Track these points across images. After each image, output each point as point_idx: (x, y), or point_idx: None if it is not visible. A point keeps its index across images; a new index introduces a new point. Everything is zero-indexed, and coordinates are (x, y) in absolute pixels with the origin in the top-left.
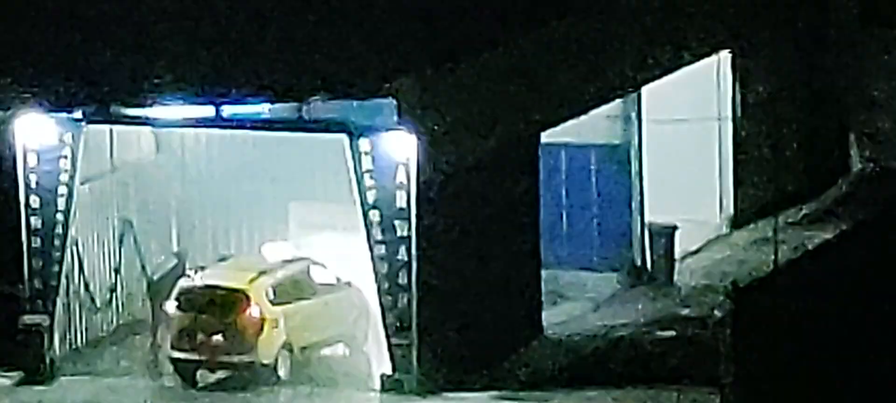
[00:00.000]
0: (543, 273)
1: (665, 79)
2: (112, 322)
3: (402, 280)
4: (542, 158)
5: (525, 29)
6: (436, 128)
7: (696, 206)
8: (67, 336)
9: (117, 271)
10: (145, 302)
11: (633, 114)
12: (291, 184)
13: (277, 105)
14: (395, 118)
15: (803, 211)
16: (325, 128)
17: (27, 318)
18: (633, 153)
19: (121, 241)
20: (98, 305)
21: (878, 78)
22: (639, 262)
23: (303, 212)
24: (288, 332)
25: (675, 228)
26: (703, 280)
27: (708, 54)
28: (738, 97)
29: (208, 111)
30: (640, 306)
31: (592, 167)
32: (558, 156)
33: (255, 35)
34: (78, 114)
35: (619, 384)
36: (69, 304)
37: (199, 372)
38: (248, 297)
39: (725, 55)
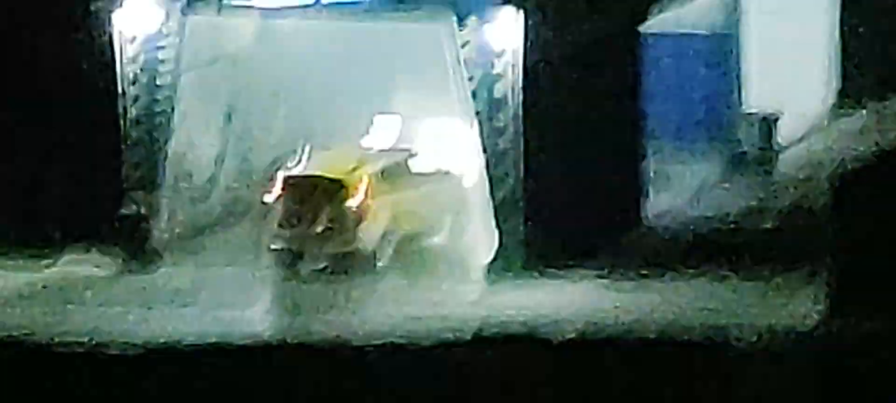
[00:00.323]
0: (646, 158)
1: None
2: (214, 210)
3: (505, 168)
4: (645, 47)
5: None
6: (540, 14)
7: (799, 95)
8: (171, 221)
9: (219, 160)
10: (247, 191)
11: (736, 2)
12: (394, 71)
13: None
14: (500, 3)
15: None
16: (428, 14)
17: (130, 205)
18: (735, 41)
19: (224, 127)
20: (200, 194)
21: None
22: (740, 151)
23: (406, 99)
24: (389, 221)
25: (777, 117)
26: (805, 169)
27: None
28: None
29: None
30: (742, 194)
31: (696, 55)
32: (660, 45)
33: None
34: (181, 2)
35: (719, 271)
36: (173, 189)
37: (299, 262)
38: (349, 185)
39: None
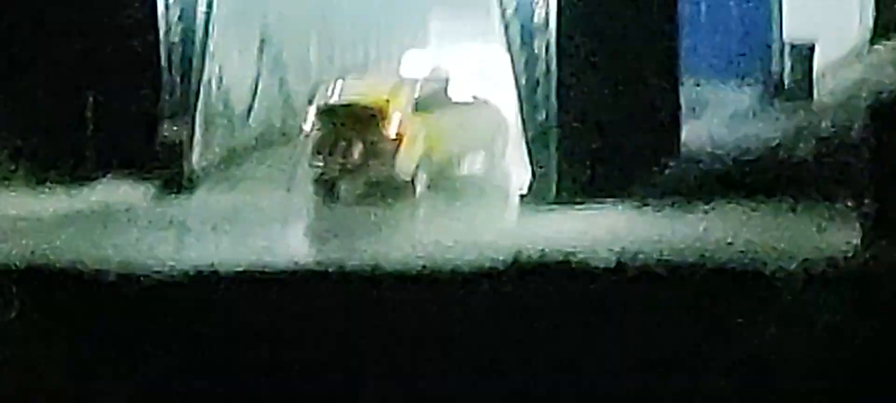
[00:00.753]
0: (682, 88)
1: None
2: (250, 138)
3: (542, 94)
4: None
5: None
6: None
7: (836, 21)
8: (206, 150)
9: (256, 84)
10: (283, 118)
11: None
12: None
13: None
14: None
15: None
16: None
17: (166, 130)
18: None
19: (260, 55)
20: (237, 118)
21: None
22: (778, 78)
23: (442, 23)
24: (426, 148)
25: (814, 44)
26: (843, 97)
27: None
28: None
29: None
30: (778, 122)
31: None
32: None
33: None
34: None
35: (757, 198)
36: (208, 117)
37: (337, 186)
38: (386, 112)
39: None
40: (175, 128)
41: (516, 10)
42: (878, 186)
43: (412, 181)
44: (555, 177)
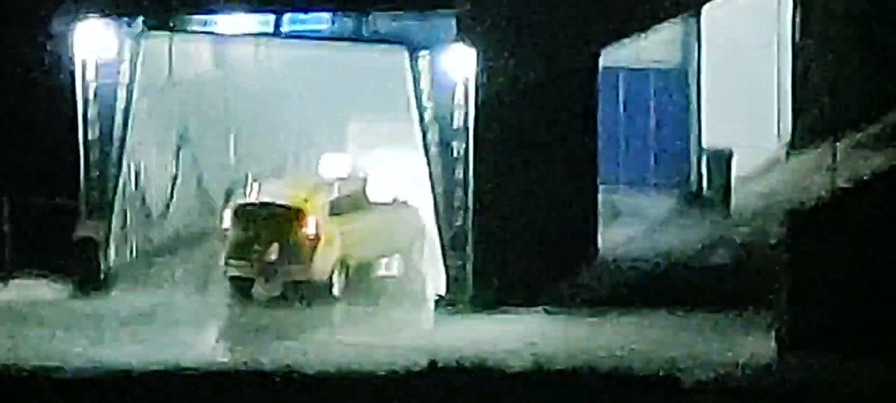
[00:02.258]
0: (600, 195)
1: (725, 2)
2: (168, 233)
3: (459, 198)
4: (601, 81)
5: None
6: (495, 45)
7: (754, 131)
8: (123, 248)
9: (173, 183)
10: (201, 217)
11: (693, 38)
12: (350, 100)
13: (337, 18)
14: (455, 34)
15: (862, 137)
16: (384, 43)
17: (83, 229)
18: (691, 77)
19: (178, 154)
20: (154, 216)
21: None
22: (696, 186)
23: (361, 128)
24: (343, 249)
25: (732, 153)
26: (760, 205)
27: None
28: (799, 20)
29: (267, 24)
30: (696, 230)
31: (651, 90)
32: (617, 79)
33: None
34: (138, 24)
35: (673, 306)
36: (125, 216)
37: (254, 287)
38: (304, 213)
39: None
40: (92, 225)
41: (435, 115)
42: (794, 297)
43: (329, 282)
44: (471, 281)
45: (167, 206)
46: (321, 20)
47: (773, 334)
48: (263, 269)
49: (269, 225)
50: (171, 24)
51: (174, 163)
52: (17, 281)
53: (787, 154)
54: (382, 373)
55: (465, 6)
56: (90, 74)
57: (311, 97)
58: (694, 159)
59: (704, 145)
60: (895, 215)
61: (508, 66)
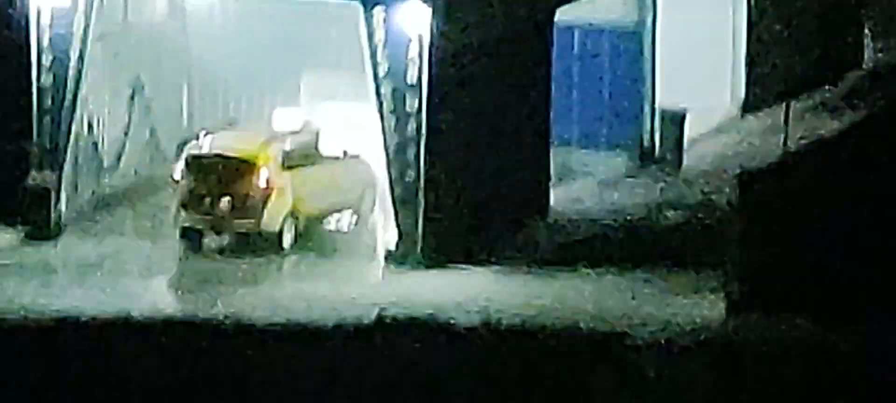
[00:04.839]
0: (552, 152)
1: None
2: (120, 183)
3: (411, 154)
4: (556, 39)
5: None
6: (451, 1)
7: (707, 91)
8: (74, 197)
9: (127, 132)
10: (153, 166)
11: None
12: (304, 52)
13: None
14: None
15: (814, 100)
16: None
17: (35, 176)
18: (646, 36)
19: (131, 103)
20: (106, 165)
21: None
22: (649, 145)
23: (314, 81)
24: (294, 201)
25: (685, 112)
26: (712, 165)
27: None
28: None
29: None
30: (647, 189)
31: (605, 49)
32: (571, 37)
33: None
34: None
35: (623, 265)
36: (77, 164)
37: (204, 238)
38: (255, 164)
39: None
40: (43, 174)
41: (388, 70)
42: (744, 257)
43: (279, 235)
44: (421, 236)
45: (119, 155)
46: None
47: (722, 294)
48: (214, 220)
49: (221, 177)
50: None
51: (127, 112)
52: None
53: (741, 114)
54: (330, 325)
55: None
56: (45, 21)
57: (266, 49)
58: (647, 119)
59: (658, 104)
60: (845, 177)
61: (463, 22)
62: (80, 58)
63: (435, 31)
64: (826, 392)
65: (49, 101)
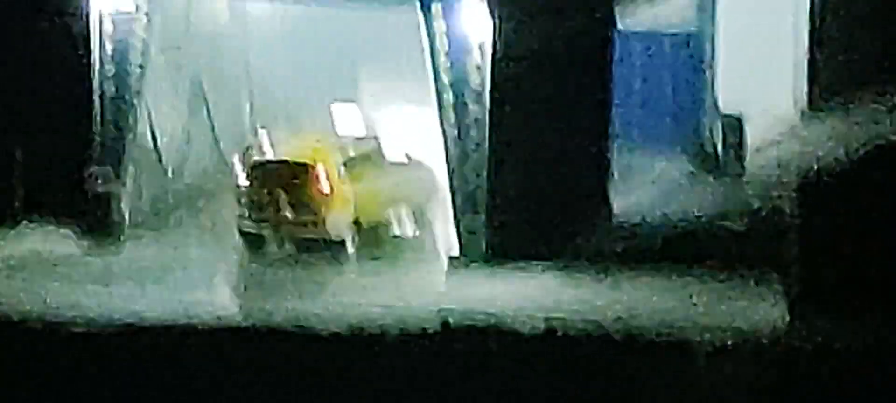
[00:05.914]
0: (614, 156)
1: None
2: (181, 190)
3: (473, 158)
4: (618, 45)
5: None
6: (512, 5)
7: (770, 96)
8: (137, 202)
9: (188, 139)
10: (216, 172)
11: (709, 2)
12: (364, 56)
13: None
14: None
15: (878, 105)
16: (400, 1)
17: (98, 182)
18: (707, 41)
19: (193, 108)
20: (169, 172)
21: None
22: (710, 151)
23: (377, 86)
24: (357, 208)
25: (747, 118)
26: (775, 171)
27: None
28: None
29: None
30: (708, 194)
31: (666, 54)
32: (633, 43)
33: None
34: None
35: (685, 270)
36: (140, 170)
37: (266, 246)
38: (317, 171)
39: None
40: (106, 178)
41: (450, 74)
42: (806, 263)
43: (342, 241)
44: (484, 242)
45: (182, 162)
46: None
47: (784, 299)
48: (277, 226)
49: (283, 183)
50: None
51: (189, 117)
52: (31, 233)
53: (802, 119)
54: (395, 333)
55: None
56: (107, 27)
57: (328, 54)
58: (708, 123)
59: (720, 109)
60: None
61: (525, 26)
62: (142, 66)
63: (496, 34)
64: (887, 396)
65: (112, 107)
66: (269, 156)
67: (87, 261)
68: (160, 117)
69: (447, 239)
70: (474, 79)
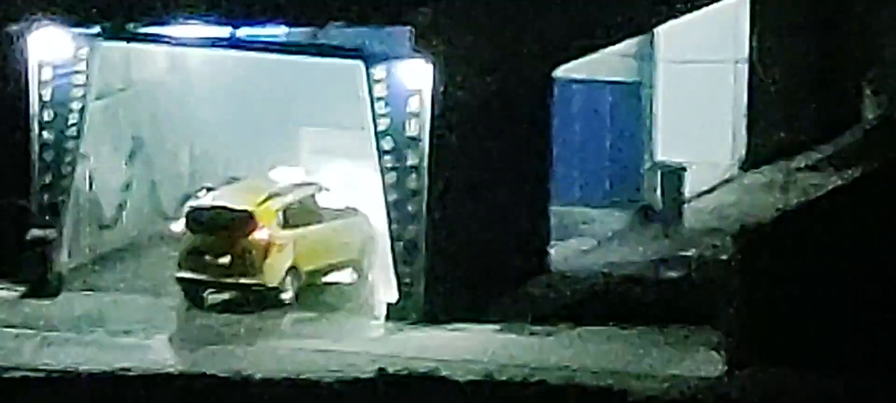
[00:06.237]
0: (552, 208)
1: (681, 18)
2: (121, 238)
3: (411, 209)
4: (556, 94)
5: None
6: (450, 58)
7: (707, 148)
8: (74, 252)
9: (127, 188)
10: (154, 220)
11: (648, 53)
12: (304, 109)
13: (293, 29)
14: (411, 46)
15: (814, 158)
16: (340, 54)
17: (35, 231)
18: (646, 92)
19: (132, 158)
20: (106, 221)
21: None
22: (649, 201)
23: (314, 138)
24: (295, 256)
25: (685, 168)
26: (712, 222)
27: None
28: (755, 40)
29: (224, 32)
30: (647, 245)
31: (606, 104)
32: (571, 93)
33: None
34: (94, 30)
35: (622, 321)
36: (77, 219)
37: (205, 293)
38: (256, 219)
39: None
40: (44, 228)
41: (389, 125)
42: (744, 313)
43: (280, 289)
44: (421, 291)
45: (120, 211)
46: (278, 29)
47: (722, 350)
48: (215, 274)
49: (222, 231)
50: (128, 33)
51: (128, 167)
52: None
53: (741, 171)
54: (330, 380)
55: (422, 20)
56: (46, 76)
57: (267, 105)
58: (647, 174)
59: (658, 160)
60: (844, 235)
61: (464, 79)
62: (81, 113)
63: (436, 86)
64: None
65: (49, 156)
66: (208, 202)
67: (24, 311)
68: (98, 166)
69: (385, 287)
70: (413, 129)
